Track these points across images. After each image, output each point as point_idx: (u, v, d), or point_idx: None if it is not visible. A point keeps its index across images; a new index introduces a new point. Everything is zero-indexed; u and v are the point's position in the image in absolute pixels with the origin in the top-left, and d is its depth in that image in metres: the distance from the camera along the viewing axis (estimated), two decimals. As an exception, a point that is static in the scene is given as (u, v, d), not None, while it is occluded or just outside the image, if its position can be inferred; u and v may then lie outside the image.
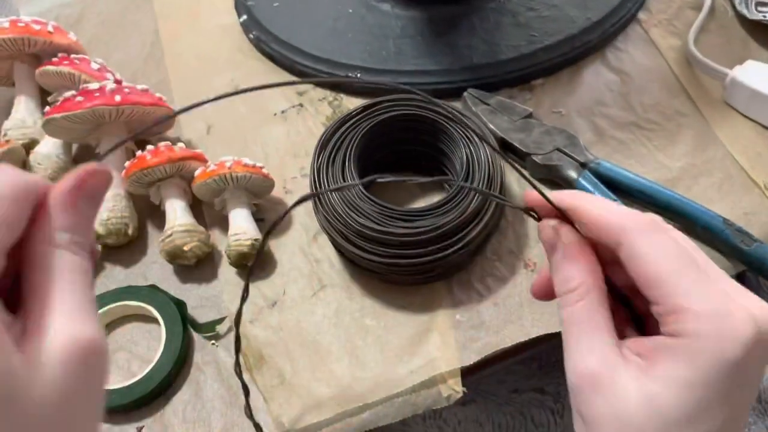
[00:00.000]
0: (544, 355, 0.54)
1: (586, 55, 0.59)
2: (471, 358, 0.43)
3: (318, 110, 0.58)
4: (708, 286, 0.25)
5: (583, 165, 0.50)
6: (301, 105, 0.59)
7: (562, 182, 0.50)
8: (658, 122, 0.55)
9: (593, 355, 0.26)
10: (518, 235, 0.49)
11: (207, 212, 0.52)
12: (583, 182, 0.48)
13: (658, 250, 0.26)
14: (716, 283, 0.25)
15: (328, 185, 0.46)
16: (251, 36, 0.63)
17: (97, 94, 0.48)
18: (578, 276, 0.28)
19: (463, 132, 0.48)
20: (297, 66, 0.60)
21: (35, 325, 0.22)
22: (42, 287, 0.22)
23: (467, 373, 0.43)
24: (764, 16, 0.58)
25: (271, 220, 0.51)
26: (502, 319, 0.45)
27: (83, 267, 0.23)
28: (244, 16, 0.65)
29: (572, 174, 0.49)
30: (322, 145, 0.48)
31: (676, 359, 0.24)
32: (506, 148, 0.52)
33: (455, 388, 0.42)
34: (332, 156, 0.47)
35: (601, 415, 0.25)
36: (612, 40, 0.61)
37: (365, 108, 0.50)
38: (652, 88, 0.57)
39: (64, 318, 0.22)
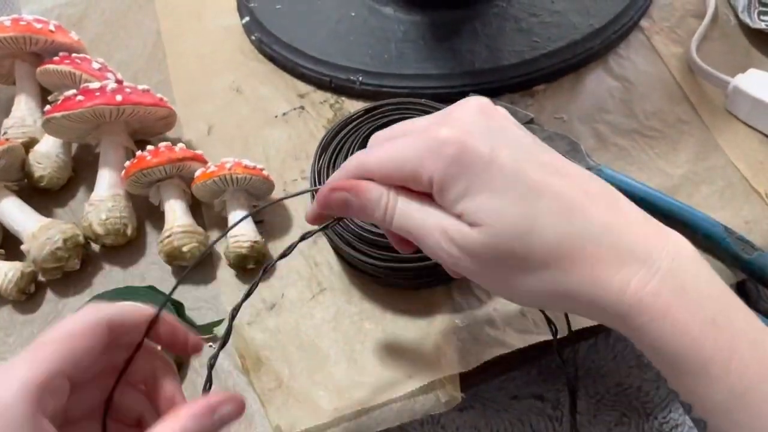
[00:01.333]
0: (543, 362, 0.54)
1: (588, 61, 0.59)
2: (470, 364, 0.43)
3: (319, 113, 0.58)
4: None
5: (584, 171, 0.49)
6: (302, 107, 0.58)
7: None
8: (660, 129, 0.54)
9: (442, 223, 0.31)
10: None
11: (206, 213, 0.52)
12: (585, 188, 0.48)
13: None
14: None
15: (329, 188, 0.46)
16: (253, 38, 0.63)
17: (98, 94, 0.48)
18: (383, 191, 0.32)
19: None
20: (298, 68, 0.60)
21: None
22: None
23: (466, 379, 0.43)
24: (767, 25, 0.58)
25: (271, 222, 0.51)
26: (502, 325, 0.45)
27: None
28: (247, 18, 0.65)
29: (573, 180, 0.49)
30: (323, 147, 0.48)
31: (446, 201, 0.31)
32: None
33: (454, 393, 0.42)
34: (333, 158, 0.47)
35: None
36: (614, 47, 0.61)
37: (367, 111, 0.50)
38: (654, 96, 0.57)
39: None
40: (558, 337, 0.41)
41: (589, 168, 0.49)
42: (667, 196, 0.48)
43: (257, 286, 0.35)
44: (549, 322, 0.38)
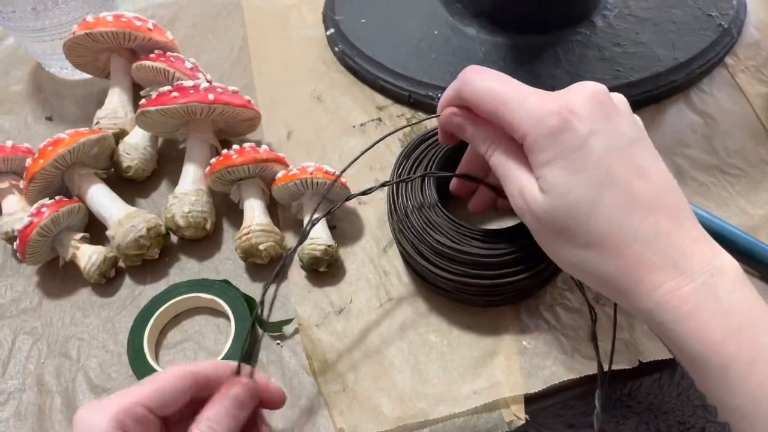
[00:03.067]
0: (612, 390, 0.53)
1: (670, 94, 0.59)
2: (536, 386, 0.42)
3: (396, 126, 0.59)
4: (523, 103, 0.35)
5: (662, 203, 0.49)
6: (380, 119, 0.60)
7: (639, 219, 0.49)
8: (742, 168, 0.54)
9: (522, 179, 0.35)
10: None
11: (281, 215, 0.53)
12: (662, 221, 0.48)
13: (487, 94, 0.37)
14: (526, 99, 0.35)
15: (406, 198, 0.47)
16: (336, 49, 0.65)
17: (192, 92, 0.50)
18: (490, 133, 0.37)
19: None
20: (379, 81, 0.61)
21: None
22: None
23: (528, 402, 0.43)
24: None
25: (343, 228, 0.52)
26: (570, 350, 0.44)
27: None
28: (332, 30, 0.66)
29: (651, 211, 0.48)
30: (405, 155, 0.49)
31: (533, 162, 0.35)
32: (585, 179, 0.51)
33: (518, 414, 0.42)
34: (413, 169, 0.48)
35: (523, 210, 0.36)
36: (697, 82, 0.60)
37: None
38: (736, 134, 0.56)
39: None
40: (619, 368, 0.41)
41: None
42: (747, 235, 0.47)
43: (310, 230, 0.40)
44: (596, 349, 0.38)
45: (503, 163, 0.37)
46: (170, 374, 0.34)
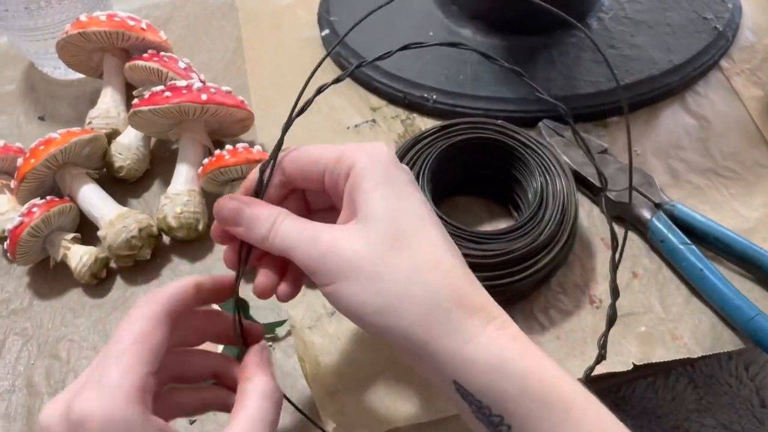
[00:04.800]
0: (605, 393, 0.53)
1: (665, 97, 0.59)
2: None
3: (390, 127, 0.59)
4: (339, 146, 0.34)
5: (657, 206, 0.49)
6: (374, 121, 0.59)
7: (634, 221, 0.49)
8: (737, 171, 0.54)
9: (320, 237, 0.32)
10: (585, 269, 0.48)
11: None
12: (657, 223, 0.48)
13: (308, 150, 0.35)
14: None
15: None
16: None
17: (185, 91, 0.50)
18: (273, 210, 0.34)
19: (540, 161, 0.48)
20: (373, 82, 0.61)
21: None
22: None
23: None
24: None
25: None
26: (564, 353, 0.44)
27: None
28: (327, 31, 0.66)
29: (646, 214, 0.48)
30: (400, 157, 0.48)
31: (359, 183, 0.32)
32: (579, 181, 0.51)
33: (511, 417, 0.41)
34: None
35: (343, 271, 0.31)
36: (692, 85, 0.60)
37: (442, 128, 0.50)
38: (731, 137, 0.56)
39: None
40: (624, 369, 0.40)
41: (661, 204, 0.49)
42: (742, 238, 0.47)
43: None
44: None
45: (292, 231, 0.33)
46: (150, 322, 0.31)
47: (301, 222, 0.33)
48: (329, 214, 0.37)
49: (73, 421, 0.28)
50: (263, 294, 0.35)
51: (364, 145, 0.34)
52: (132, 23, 0.57)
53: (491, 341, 0.29)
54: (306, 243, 0.32)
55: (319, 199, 0.38)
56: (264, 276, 0.35)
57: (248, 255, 0.35)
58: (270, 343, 0.46)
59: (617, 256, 0.37)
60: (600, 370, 0.42)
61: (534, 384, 0.28)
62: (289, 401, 0.40)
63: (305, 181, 0.35)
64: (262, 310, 0.48)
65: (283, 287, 0.36)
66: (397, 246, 0.31)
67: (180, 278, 0.49)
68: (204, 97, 0.49)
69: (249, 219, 0.34)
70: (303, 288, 0.48)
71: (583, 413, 0.28)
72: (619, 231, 0.35)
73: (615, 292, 0.35)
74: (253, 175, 0.36)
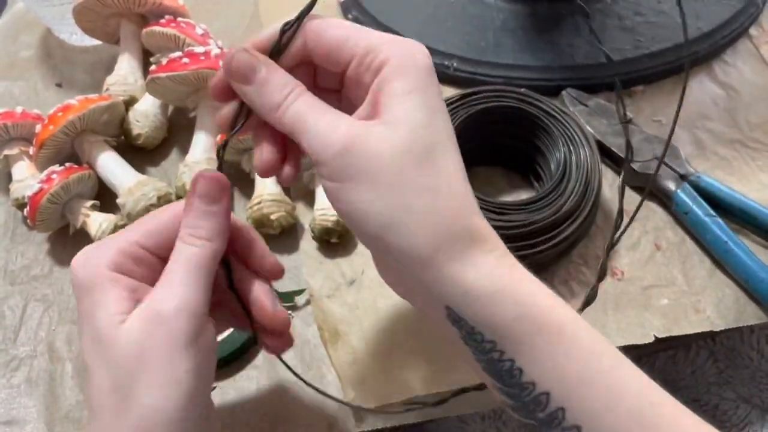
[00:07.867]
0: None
1: (692, 65, 0.57)
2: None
3: (410, 96, 0.58)
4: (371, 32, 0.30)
5: (682, 177, 0.48)
6: (393, 89, 0.58)
7: (658, 193, 0.48)
8: (764, 142, 0.52)
9: (339, 128, 0.28)
10: (607, 241, 0.47)
11: (292, 186, 0.52)
12: (682, 195, 0.47)
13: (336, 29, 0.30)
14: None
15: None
16: (350, 16, 0.63)
17: (203, 58, 0.49)
18: (290, 80, 0.30)
19: (563, 131, 0.47)
20: (393, 50, 0.60)
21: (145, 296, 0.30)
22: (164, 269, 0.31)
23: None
24: None
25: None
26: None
27: (191, 252, 0.30)
28: (345, -4, 0.65)
29: (671, 185, 0.47)
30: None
31: (390, 82, 0.28)
32: (603, 152, 0.50)
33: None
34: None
35: (358, 173, 0.28)
36: (720, 53, 0.58)
37: (463, 96, 0.49)
38: (759, 107, 0.55)
39: (157, 291, 0.30)
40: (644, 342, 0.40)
41: (686, 175, 0.48)
42: (769, 210, 0.46)
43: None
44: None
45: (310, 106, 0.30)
46: (161, 212, 0.33)
47: (321, 104, 0.30)
48: (333, 96, 0.33)
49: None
50: (267, 171, 0.32)
51: (399, 41, 0.30)
52: (149, -12, 0.56)
53: (492, 270, 0.28)
54: (323, 129, 0.28)
55: (330, 79, 0.33)
56: (267, 151, 0.32)
57: (246, 120, 0.32)
58: (290, 313, 0.46)
59: (617, 235, 0.37)
60: (620, 342, 0.42)
61: (529, 309, 0.28)
62: (296, 375, 0.40)
63: (325, 61, 0.31)
64: (281, 280, 0.48)
65: (287, 168, 0.32)
66: (422, 162, 0.28)
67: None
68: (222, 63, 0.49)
69: (262, 80, 0.30)
70: (321, 257, 0.49)
71: (576, 335, 0.28)
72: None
73: (603, 269, 0.35)
74: (270, 32, 0.31)
